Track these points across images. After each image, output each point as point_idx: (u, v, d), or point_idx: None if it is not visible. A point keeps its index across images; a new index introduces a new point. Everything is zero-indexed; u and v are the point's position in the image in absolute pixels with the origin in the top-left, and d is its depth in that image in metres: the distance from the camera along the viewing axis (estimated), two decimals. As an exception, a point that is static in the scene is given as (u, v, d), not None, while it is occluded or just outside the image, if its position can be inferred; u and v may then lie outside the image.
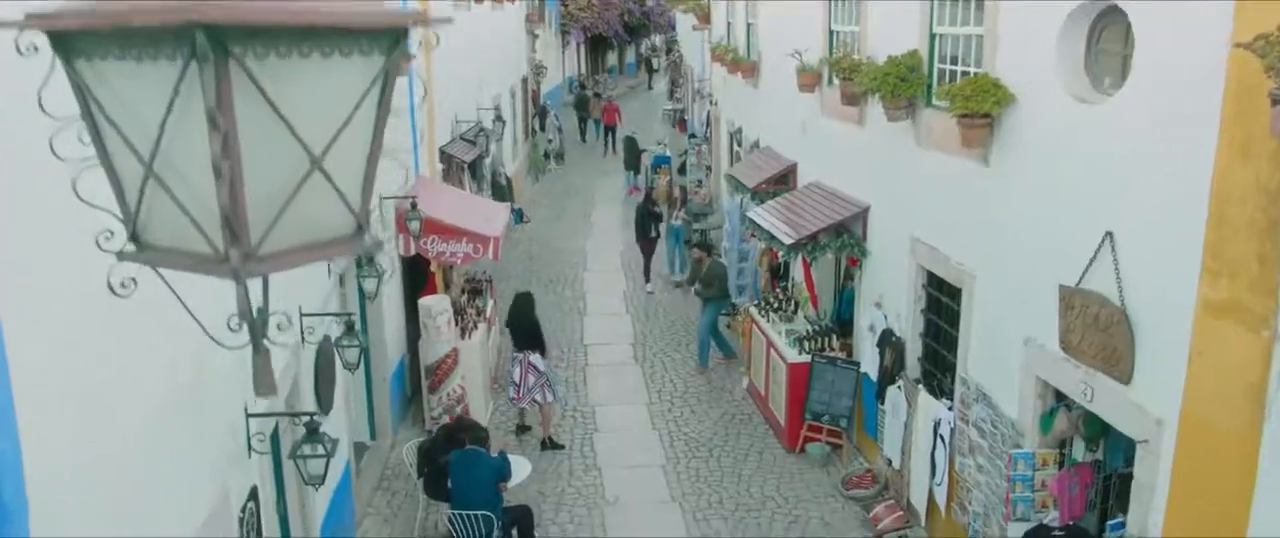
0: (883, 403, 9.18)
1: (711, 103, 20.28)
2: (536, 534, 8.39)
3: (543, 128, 26.81)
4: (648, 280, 15.83)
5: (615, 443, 10.58)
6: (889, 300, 9.24)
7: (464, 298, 11.50)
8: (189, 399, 4.53)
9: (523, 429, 10.71)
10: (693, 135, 25.22)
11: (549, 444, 10.59)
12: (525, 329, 10.83)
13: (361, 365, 10.03)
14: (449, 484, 7.97)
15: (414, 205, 10.12)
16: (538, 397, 10.58)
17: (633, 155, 23.54)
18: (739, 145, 16.16)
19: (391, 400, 10.33)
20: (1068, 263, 6.13)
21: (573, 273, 16.97)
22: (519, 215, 20.55)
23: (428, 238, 10.75)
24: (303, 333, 6.94)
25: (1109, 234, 5.78)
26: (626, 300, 15.42)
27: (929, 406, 8.25)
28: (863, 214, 9.73)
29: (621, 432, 10.87)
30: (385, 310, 10.17)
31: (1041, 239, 6.54)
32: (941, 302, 8.41)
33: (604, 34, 43.41)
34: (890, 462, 9.11)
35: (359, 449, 9.90)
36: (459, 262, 11.01)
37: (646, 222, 15.99)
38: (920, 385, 8.50)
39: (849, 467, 9.83)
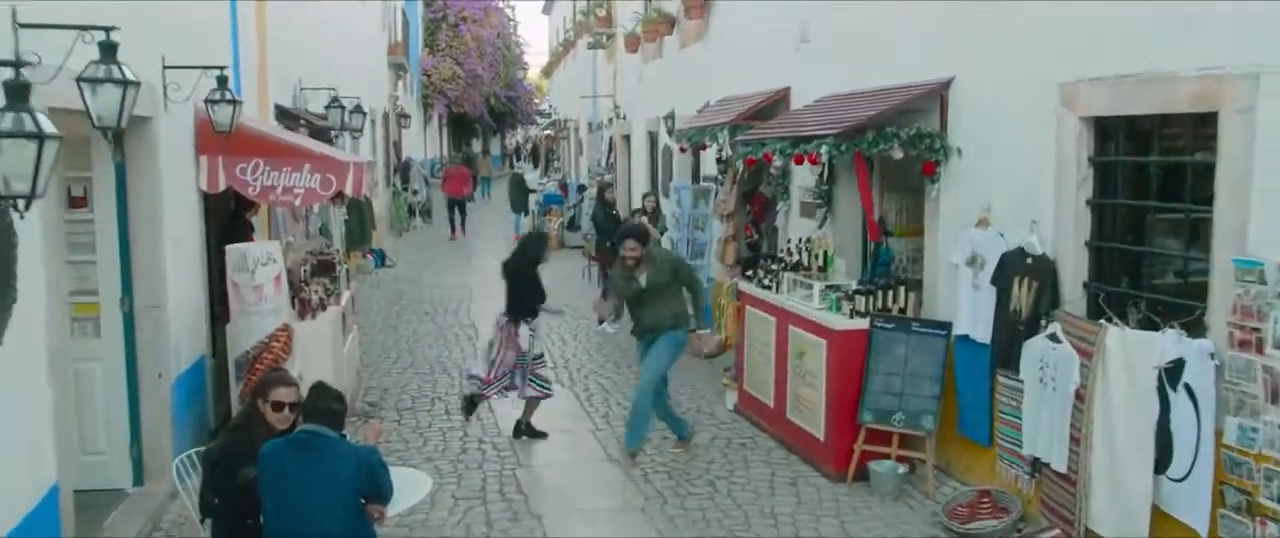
0: (1013, 373, 5.61)
1: (619, 117, 16.97)
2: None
3: (406, 183, 22.87)
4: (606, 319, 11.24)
5: (554, 480, 6.56)
6: (1006, 209, 5.80)
7: (305, 271, 7.36)
8: None
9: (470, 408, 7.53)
10: (582, 187, 21.92)
11: (527, 430, 7.28)
12: (525, 281, 7.32)
13: (123, 356, 5.83)
14: (263, 508, 3.84)
15: (223, 80, 6.13)
16: (516, 382, 7.24)
17: (520, 196, 19.88)
18: (671, 134, 12.78)
19: (174, 421, 6.03)
20: None
21: (456, 304, 12.97)
22: (381, 258, 16.46)
23: (248, 163, 6.72)
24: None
25: None
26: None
27: (1141, 346, 4.73)
28: (937, 95, 6.37)
29: (560, 466, 6.86)
30: (168, 266, 5.99)
31: None
32: (1135, 170, 5.06)
33: (469, 114, 40.07)
34: (1037, 467, 5.48)
35: (110, 497, 5.59)
36: (298, 203, 6.97)
37: (606, 228, 11.58)
38: (1108, 321, 4.99)
39: (949, 493, 6.12)
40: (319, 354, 6.58)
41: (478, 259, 17.54)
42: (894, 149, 6.22)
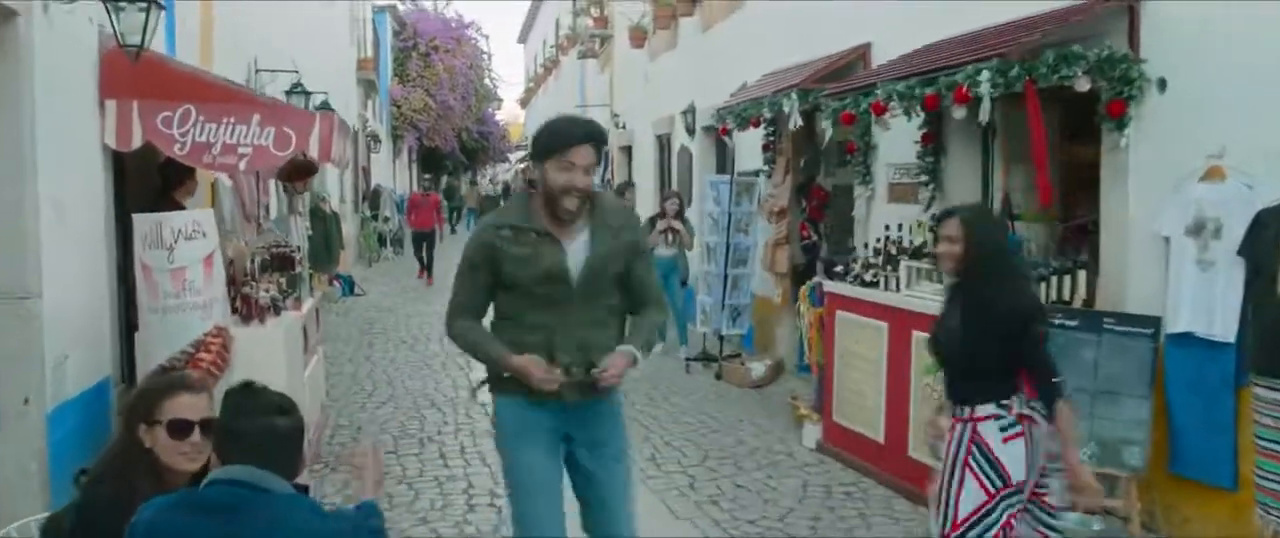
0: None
1: (618, 126, 15.26)
2: None
3: (375, 211, 20.97)
4: None
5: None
6: (1252, 152, 4.10)
7: (252, 265, 5.46)
8: None
9: None
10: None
11: None
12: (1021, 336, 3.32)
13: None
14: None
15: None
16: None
17: (502, 215, 17.98)
18: (691, 133, 11.09)
19: (50, 472, 4.08)
20: None
21: (439, 332, 11.00)
22: (349, 285, 14.54)
23: (174, 110, 4.87)
24: None
25: None
26: (536, 355, 9.58)
27: None
28: (1124, 11, 4.68)
29: (607, 528, 4.98)
30: (44, 240, 4.10)
31: None
32: None
33: (439, 148, 38.27)
34: (1343, 520, 3.71)
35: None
36: (243, 166, 5.09)
37: None
38: None
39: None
40: (269, 373, 4.65)
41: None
42: (1078, 78, 4.49)
